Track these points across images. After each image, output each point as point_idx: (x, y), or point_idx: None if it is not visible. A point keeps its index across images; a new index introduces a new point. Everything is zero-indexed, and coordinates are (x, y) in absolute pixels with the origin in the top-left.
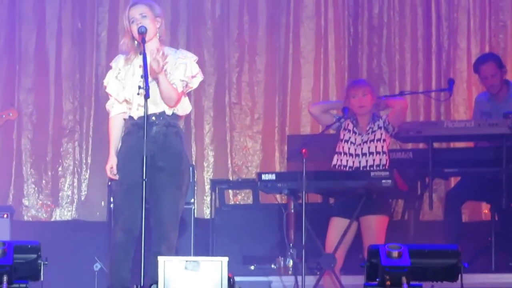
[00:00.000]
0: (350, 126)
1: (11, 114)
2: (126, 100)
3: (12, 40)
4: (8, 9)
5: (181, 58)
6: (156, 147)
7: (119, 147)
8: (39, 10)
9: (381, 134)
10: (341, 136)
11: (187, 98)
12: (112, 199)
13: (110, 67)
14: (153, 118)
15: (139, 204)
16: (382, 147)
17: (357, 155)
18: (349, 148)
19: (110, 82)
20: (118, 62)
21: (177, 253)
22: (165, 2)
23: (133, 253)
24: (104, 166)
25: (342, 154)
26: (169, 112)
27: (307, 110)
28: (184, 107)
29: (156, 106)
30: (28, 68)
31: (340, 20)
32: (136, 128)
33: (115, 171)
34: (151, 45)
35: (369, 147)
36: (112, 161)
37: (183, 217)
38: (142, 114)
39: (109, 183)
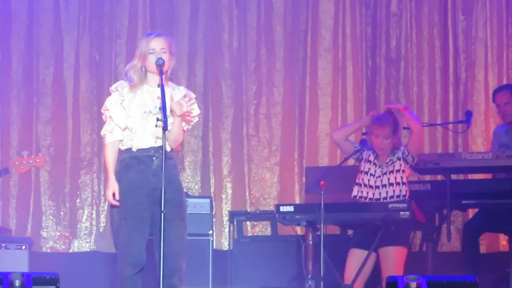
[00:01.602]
0: (371, 158)
1: (38, 161)
2: (128, 129)
3: (30, 73)
4: (26, 42)
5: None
6: (158, 180)
7: (117, 180)
8: (56, 42)
9: (400, 165)
10: (362, 168)
11: None
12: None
13: (111, 91)
14: (152, 151)
15: (145, 238)
16: (402, 178)
17: (377, 187)
18: (369, 180)
19: (114, 107)
20: (123, 88)
21: (195, 284)
22: (183, 34)
23: (141, 287)
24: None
25: (362, 186)
26: (167, 147)
27: (325, 142)
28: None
29: (156, 140)
30: (46, 100)
31: (358, 53)
32: (136, 161)
33: (117, 196)
34: (158, 80)
35: (388, 178)
36: (113, 186)
37: (202, 248)
38: (143, 146)
39: (111, 213)
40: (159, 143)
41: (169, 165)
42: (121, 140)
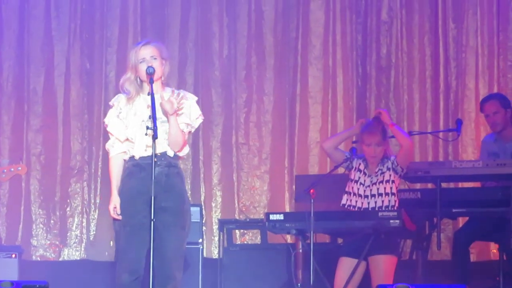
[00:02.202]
0: (362, 167)
1: (20, 169)
2: (128, 140)
3: (20, 81)
4: (17, 50)
5: (184, 100)
6: (159, 188)
7: (120, 188)
8: (47, 51)
9: (390, 176)
10: (351, 176)
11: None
12: (116, 240)
13: (110, 106)
14: (155, 159)
15: (144, 245)
16: (391, 188)
17: (366, 196)
18: (358, 189)
19: (111, 121)
20: (120, 101)
21: None
22: (173, 42)
23: None
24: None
25: (352, 194)
26: (170, 153)
27: (315, 150)
28: (185, 149)
29: (158, 146)
30: (37, 108)
31: (348, 61)
32: (138, 169)
33: (118, 211)
34: (154, 87)
35: (378, 189)
36: (115, 201)
37: (192, 257)
38: (144, 154)
39: (113, 224)
40: (160, 149)
41: (172, 172)
42: (124, 152)
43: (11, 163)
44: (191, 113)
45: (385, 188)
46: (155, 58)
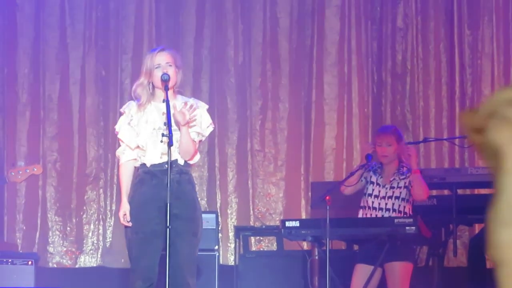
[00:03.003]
0: (374, 179)
1: (35, 169)
2: (138, 147)
3: (36, 88)
4: (32, 57)
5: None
6: (171, 195)
7: (131, 195)
8: (62, 58)
9: (406, 194)
10: (365, 190)
11: None
12: (128, 248)
13: (121, 113)
14: (166, 166)
15: (157, 253)
16: (404, 207)
17: (380, 209)
18: (372, 202)
19: (122, 128)
20: (131, 108)
21: None
22: (188, 49)
23: None
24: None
25: (367, 208)
26: (181, 161)
27: (331, 157)
28: (196, 157)
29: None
30: (52, 115)
31: (364, 67)
32: (149, 176)
33: (128, 218)
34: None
35: (393, 204)
36: (125, 208)
37: (208, 264)
38: (155, 161)
39: (125, 231)
40: (173, 156)
41: (183, 179)
42: (135, 159)
43: (27, 164)
44: (202, 122)
45: (399, 206)
46: (170, 65)
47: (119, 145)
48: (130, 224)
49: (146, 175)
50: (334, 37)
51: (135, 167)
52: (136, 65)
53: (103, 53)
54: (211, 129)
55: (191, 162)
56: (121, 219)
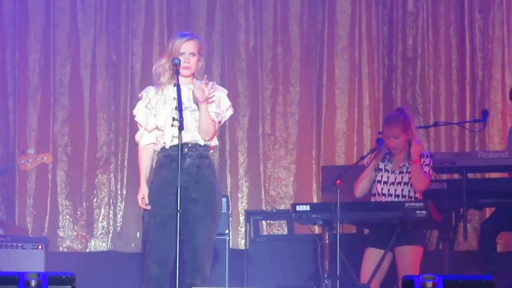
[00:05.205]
0: (382, 166)
1: (45, 158)
2: (157, 128)
3: (47, 72)
4: (43, 42)
5: (214, 91)
6: (190, 179)
7: (151, 179)
8: (73, 42)
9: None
10: (374, 177)
11: None
12: (144, 231)
13: (139, 98)
14: (186, 149)
15: (173, 236)
16: (415, 192)
17: (390, 195)
18: (382, 189)
19: (140, 112)
20: (149, 92)
21: (212, 284)
22: (199, 33)
23: (168, 286)
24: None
25: (377, 195)
26: (201, 141)
27: (342, 141)
28: (215, 139)
29: (189, 134)
30: (63, 100)
31: (374, 52)
32: (169, 160)
33: (146, 201)
34: (186, 80)
35: (402, 190)
36: (144, 191)
37: (218, 248)
38: (174, 143)
39: (142, 214)
40: (190, 138)
41: (203, 163)
42: (154, 143)
43: (37, 152)
44: (221, 102)
45: (409, 191)
46: (194, 55)
47: (137, 130)
48: (148, 207)
49: (166, 159)
50: (345, 21)
51: (154, 151)
52: (147, 49)
53: (114, 37)
54: (230, 112)
55: (211, 144)
56: (140, 202)
